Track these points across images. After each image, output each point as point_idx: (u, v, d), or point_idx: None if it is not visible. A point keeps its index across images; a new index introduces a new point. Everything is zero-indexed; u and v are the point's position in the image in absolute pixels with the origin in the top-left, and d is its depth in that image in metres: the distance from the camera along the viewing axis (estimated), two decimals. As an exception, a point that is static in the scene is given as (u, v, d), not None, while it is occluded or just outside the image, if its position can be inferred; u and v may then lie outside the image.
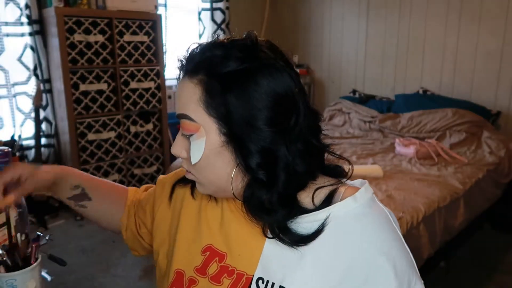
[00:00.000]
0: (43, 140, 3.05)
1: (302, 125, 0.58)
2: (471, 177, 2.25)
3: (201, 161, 0.59)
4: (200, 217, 0.70)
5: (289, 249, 0.58)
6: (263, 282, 0.59)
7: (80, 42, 2.82)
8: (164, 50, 3.35)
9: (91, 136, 2.98)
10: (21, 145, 2.94)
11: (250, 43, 0.59)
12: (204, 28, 3.89)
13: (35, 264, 0.80)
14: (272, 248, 0.60)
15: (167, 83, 3.53)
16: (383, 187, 2.06)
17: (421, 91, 3.39)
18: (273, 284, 0.58)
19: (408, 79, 3.54)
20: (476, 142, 2.77)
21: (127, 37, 3.04)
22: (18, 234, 0.83)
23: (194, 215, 0.71)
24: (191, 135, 0.59)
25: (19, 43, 2.87)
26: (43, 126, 3.05)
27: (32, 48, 2.90)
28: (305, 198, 0.61)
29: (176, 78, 0.67)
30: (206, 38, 3.91)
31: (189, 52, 0.61)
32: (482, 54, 3.06)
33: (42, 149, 3.01)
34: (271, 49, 0.61)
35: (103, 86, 2.98)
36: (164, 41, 3.33)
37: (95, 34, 2.88)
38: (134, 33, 3.07)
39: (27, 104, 2.96)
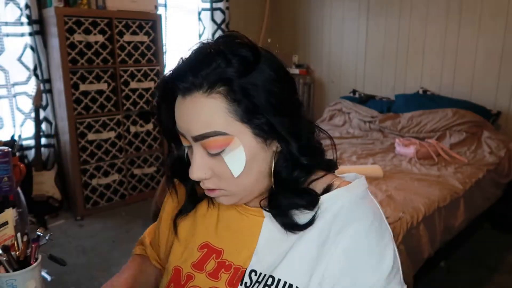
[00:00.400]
0: (43, 140, 3.05)
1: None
2: (471, 177, 2.25)
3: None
4: (195, 216, 0.72)
5: (281, 240, 0.61)
6: (255, 274, 0.61)
7: (80, 42, 2.82)
8: (164, 50, 3.35)
9: (91, 136, 2.98)
10: (21, 145, 2.94)
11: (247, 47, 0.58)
12: (204, 28, 3.90)
13: (35, 264, 0.80)
14: (266, 240, 0.63)
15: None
16: (383, 187, 2.06)
17: (421, 91, 3.39)
18: (264, 275, 0.60)
19: (408, 79, 3.54)
20: (476, 142, 2.77)
21: (127, 37, 3.04)
22: (18, 234, 0.83)
23: (190, 215, 0.72)
24: (221, 151, 0.57)
25: (19, 43, 2.87)
26: (43, 126, 3.05)
27: (32, 48, 2.90)
28: None
29: (160, 101, 0.63)
30: (206, 38, 3.90)
31: (180, 69, 0.58)
32: (482, 54, 3.06)
33: (42, 149, 3.01)
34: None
35: (103, 86, 2.98)
36: (164, 41, 3.33)
37: (95, 34, 2.88)
38: (134, 33, 3.07)
39: (27, 104, 2.95)
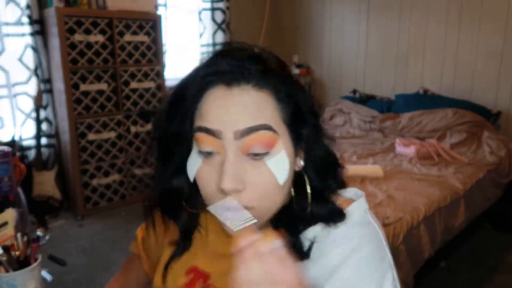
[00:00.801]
0: (44, 140, 3.05)
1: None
2: (471, 177, 2.25)
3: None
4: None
5: None
6: None
7: (81, 42, 2.82)
8: (164, 50, 3.35)
9: (91, 136, 2.98)
10: (22, 145, 2.94)
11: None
12: (205, 28, 3.89)
13: (35, 264, 0.80)
14: None
15: (167, 83, 3.53)
16: (384, 187, 2.06)
17: (421, 91, 3.39)
18: None
19: (408, 79, 3.54)
20: (476, 142, 2.77)
21: (127, 37, 3.04)
22: (18, 234, 0.83)
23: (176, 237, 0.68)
24: (266, 152, 0.52)
25: (20, 43, 2.87)
26: (44, 126, 3.05)
27: (32, 48, 2.90)
28: None
29: (180, 97, 0.56)
30: (206, 38, 3.91)
31: (234, 59, 0.53)
32: (483, 54, 3.06)
33: (42, 149, 3.01)
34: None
35: (103, 86, 2.98)
36: (164, 41, 3.33)
37: (95, 34, 2.88)
38: (134, 33, 3.07)
39: (27, 104, 2.96)
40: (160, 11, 3.43)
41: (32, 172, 2.86)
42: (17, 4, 2.81)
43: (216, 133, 0.52)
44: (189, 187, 0.60)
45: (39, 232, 0.80)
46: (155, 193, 0.64)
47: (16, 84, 2.90)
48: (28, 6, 2.80)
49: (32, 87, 2.92)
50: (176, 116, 0.56)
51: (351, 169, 2.23)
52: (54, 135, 3.10)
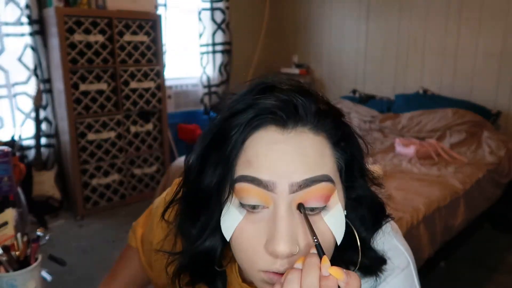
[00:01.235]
0: (43, 140, 3.05)
1: None
2: (471, 177, 2.25)
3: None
4: None
5: None
6: None
7: (80, 42, 2.82)
8: (164, 50, 3.35)
9: (91, 136, 2.98)
10: (21, 145, 2.94)
11: None
12: (204, 28, 3.89)
13: (35, 264, 0.80)
14: None
15: (167, 83, 3.53)
16: (384, 189, 2.05)
17: (421, 91, 3.39)
18: None
19: (408, 79, 3.54)
20: (476, 142, 2.77)
21: (127, 37, 3.04)
22: (18, 234, 0.83)
23: None
24: (323, 207, 0.45)
25: (19, 43, 2.87)
26: (43, 126, 3.05)
27: (32, 48, 2.90)
28: None
29: (220, 141, 0.47)
30: (206, 38, 3.91)
31: (286, 96, 0.46)
32: (482, 54, 3.06)
33: (42, 149, 3.01)
34: None
35: (103, 86, 2.98)
36: (164, 41, 3.33)
37: (95, 34, 2.88)
38: (134, 33, 3.07)
39: (27, 104, 2.95)
40: (160, 11, 3.43)
41: (32, 172, 2.86)
42: (17, 4, 2.81)
43: (268, 185, 0.44)
44: (223, 246, 0.51)
45: (39, 232, 0.80)
46: (185, 258, 0.53)
47: (16, 84, 2.90)
48: (27, 6, 2.80)
49: (31, 87, 2.92)
50: (214, 164, 0.47)
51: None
52: (54, 135, 3.10)
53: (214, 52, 3.97)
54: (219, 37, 3.96)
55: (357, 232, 0.48)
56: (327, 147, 0.46)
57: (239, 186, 0.45)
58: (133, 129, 3.21)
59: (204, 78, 3.97)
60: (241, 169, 0.45)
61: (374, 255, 0.51)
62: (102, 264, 2.38)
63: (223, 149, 0.46)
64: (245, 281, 0.56)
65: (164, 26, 3.37)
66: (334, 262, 0.41)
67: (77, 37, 2.81)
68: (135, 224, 0.81)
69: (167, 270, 0.56)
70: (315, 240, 0.41)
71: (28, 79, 2.94)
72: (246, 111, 0.46)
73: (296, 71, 4.19)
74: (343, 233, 0.46)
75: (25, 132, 2.97)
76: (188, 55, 3.96)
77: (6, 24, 2.80)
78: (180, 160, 2.65)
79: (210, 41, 3.93)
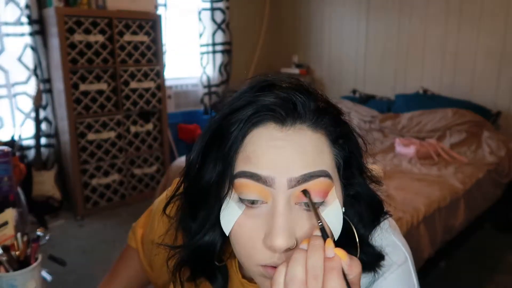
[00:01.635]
0: (43, 140, 3.05)
1: None
2: (471, 177, 2.25)
3: None
4: None
5: None
6: None
7: (80, 42, 2.82)
8: (164, 50, 3.35)
9: (91, 136, 2.98)
10: (21, 145, 2.94)
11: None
12: (204, 28, 3.89)
13: (35, 264, 0.80)
14: None
15: (167, 83, 3.53)
16: (384, 187, 2.05)
17: (421, 91, 3.39)
18: None
19: (408, 79, 3.54)
20: (476, 142, 2.77)
21: (127, 37, 3.04)
22: (18, 234, 0.83)
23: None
24: (321, 202, 0.46)
25: (19, 43, 2.87)
26: (43, 126, 3.05)
27: (32, 48, 2.90)
28: None
29: (219, 137, 0.48)
30: (206, 38, 3.91)
31: (285, 94, 0.47)
32: (482, 54, 3.06)
33: (42, 149, 3.01)
34: None
35: (103, 86, 2.98)
36: (164, 41, 3.33)
37: (95, 34, 2.88)
38: (134, 33, 3.07)
39: (27, 104, 2.95)
40: (160, 11, 3.43)
41: (32, 172, 2.86)
42: (17, 4, 2.81)
43: (267, 180, 0.44)
44: (222, 241, 0.52)
45: (39, 232, 0.80)
46: (185, 253, 0.54)
47: (16, 84, 2.90)
48: (27, 6, 2.80)
49: (31, 87, 2.92)
50: (214, 160, 0.48)
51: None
52: (54, 135, 3.10)
53: (214, 52, 3.97)
54: (219, 37, 3.96)
55: (355, 229, 0.49)
56: (325, 144, 0.47)
57: (239, 181, 0.46)
58: (133, 129, 3.21)
59: (204, 78, 3.97)
60: (240, 165, 0.46)
61: (372, 251, 0.52)
62: (102, 264, 2.38)
63: (223, 145, 0.47)
64: (245, 277, 0.57)
65: (164, 26, 3.37)
66: None
67: (77, 37, 2.81)
68: (135, 224, 0.82)
69: (168, 264, 0.57)
70: (320, 223, 0.42)
71: (28, 79, 2.94)
72: (246, 107, 0.47)
73: (296, 71, 4.19)
74: (340, 228, 0.47)
75: (25, 132, 2.97)
76: (188, 55, 3.96)
77: (6, 24, 2.80)
78: (180, 160, 2.65)
79: (210, 41, 3.93)
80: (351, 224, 0.50)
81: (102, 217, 3.03)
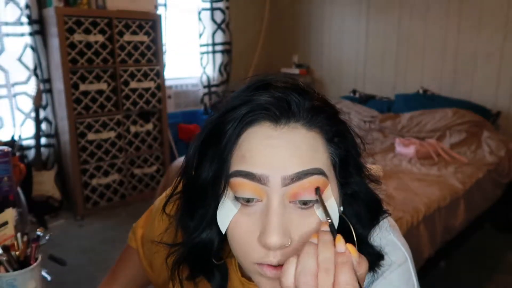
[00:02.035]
0: (43, 140, 3.05)
1: None
2: (471, 177, 2.25)
3: None
4: None
5: None
6: None
7: (80, 42, 2.82)
8: (164, 50, 3.35)
9: (91, 136, 2.98)
10: (21, 145, 2.94)
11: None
12: (204, 28, 3.89)
13: (35, 264, 0.80)
14: None
15: (167, 83, 3.53)
16: (383, 187, 2.05)
17: (421, 91, 3.39)
18: None
19: (408, 79, 3.54)
20: (476, 142, 2.77)
21: (127, 37, 3.04)
22: (18, 234, 0.83)
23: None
24: (316, 200, 0.46)
25: (19, 43, 2.87)
26: (43, 126, 3.05)
27: (32, 48, 2.90)
28: None
29: (214, 137, 0.49)
30: (206, 38, 3.91)
31: (280, 93, 0.48)
32: (482, 54, 3.06)
33: (42, 149, 3.01)
34: None
35: (103, 86, 2.98)
36: (164, 41, 3.33)
37: (95, 34, 2.88)
38: (134, 33, 3.07)
39: (27, 104, 2.95)
40: (160, 11, 3.43)
41: (31, 172, 2.86)
42: (17, 4, 2.81)
43: (262, 179, 0.45)
44: (220, 239, 0.53)
45: (39, 232, 0.80)
46: (184, 250, 0.55)
47: (16, 84, 2.90)
48: (27, 6, 2.80)
49: (31, 87, 2.92)
50: (210, 159, 0.49)
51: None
52: (54, 135, 3.10)
53: (214, 52, 3.97)
54: (219, 37, 3.96)
55: (353, 228, 0.49)
56: (320, 143, 0.48)
57: (234, 180, 0.46)
58: (133, 129, 3.21)
59: (204, 78, 3.97)
60: (235, 164, 0.47)
61: (372, 251, 0.52)
62: (102, 264, 2.38)
63: (219, 143, 0.48)
64: (244, 275, 0.57)
65: (164, 26, 3.37)
66: None
67: (77, 37, 2.81)
68: (135, 225, 0.81)
69: (167, 261, 0.57)
70: (328, 219, 0.43)
71: (28, 79, 2.94)
72: (241, 107, 0.47)
73: (296, 71, 4.19)
74: (336, 226, 0.47)
75: (25, 132, 2.97)
76: (188, 55, 3.96)
77: (6, 24, 2.80)
78: (180, 160, 2.65)
79: (210, 41, 3.93)
80: (349, 223, 0.50)
81: (102, 217, 3.03)
